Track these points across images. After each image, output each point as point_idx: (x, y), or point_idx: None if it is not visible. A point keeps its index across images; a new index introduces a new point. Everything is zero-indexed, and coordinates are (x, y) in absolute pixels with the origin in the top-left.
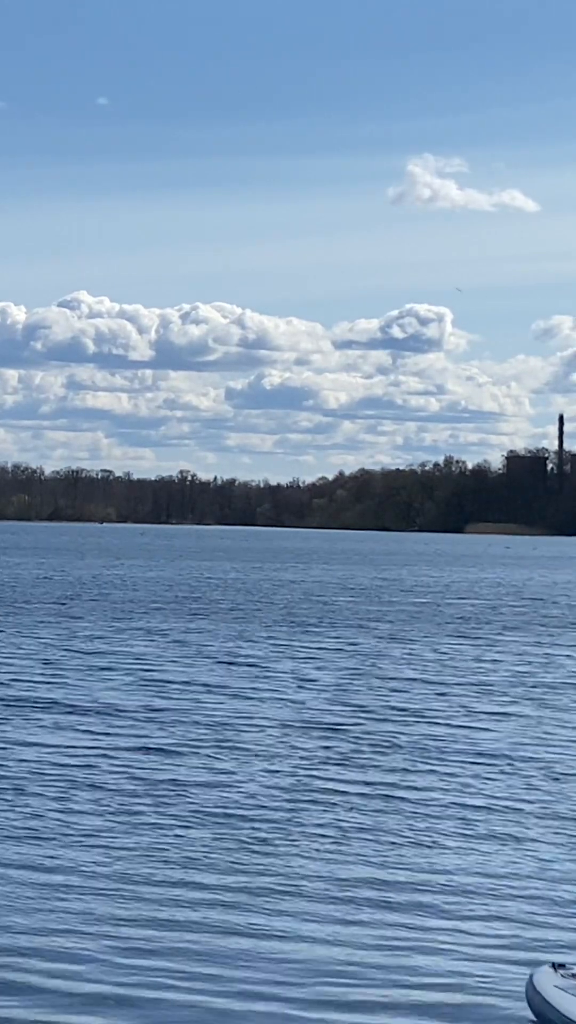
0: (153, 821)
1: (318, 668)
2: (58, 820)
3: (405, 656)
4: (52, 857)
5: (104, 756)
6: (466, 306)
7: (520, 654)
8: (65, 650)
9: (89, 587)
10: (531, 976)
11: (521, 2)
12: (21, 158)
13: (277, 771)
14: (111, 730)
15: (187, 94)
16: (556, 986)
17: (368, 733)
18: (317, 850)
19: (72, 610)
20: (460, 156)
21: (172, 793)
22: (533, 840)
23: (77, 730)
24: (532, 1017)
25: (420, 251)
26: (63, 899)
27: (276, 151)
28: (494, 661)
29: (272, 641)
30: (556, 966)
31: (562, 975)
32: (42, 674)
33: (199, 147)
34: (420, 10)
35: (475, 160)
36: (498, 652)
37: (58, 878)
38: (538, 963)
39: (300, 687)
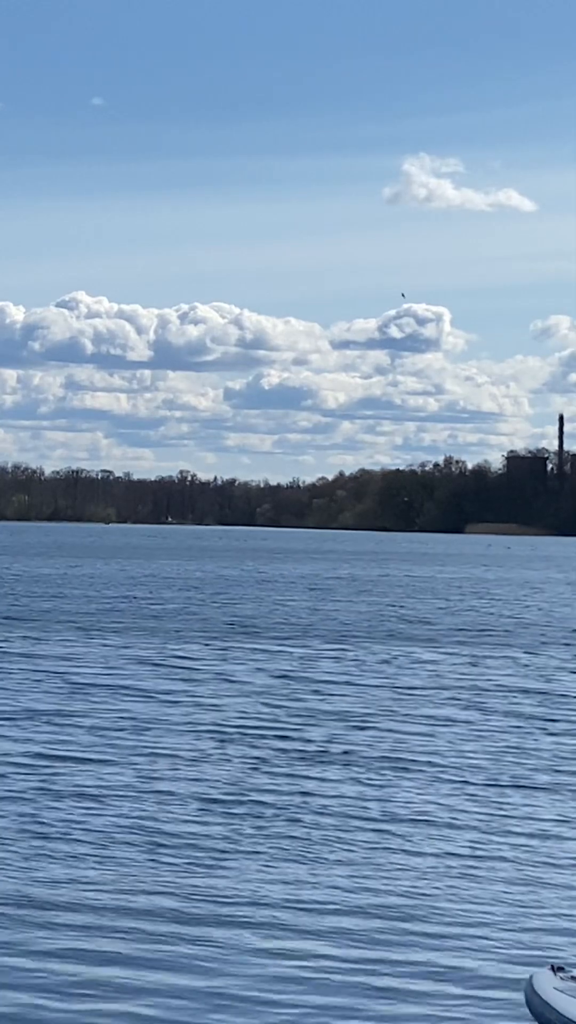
0: (67, 832)
1: (255, 670)
2: None
3: (343, 660)
4: None
5: (14, 764)
6: (464, 306)
7: (468, 658)
8: None
9: (34, 587)
10: (530, 979)
11: (518, 2)
12: (18, 158)
13: (206, 779)
14: (28, 736)
15: (182, 94)
16: (556, 988)
17: (293, 739)
18: (263, 864)
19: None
20: (456, 156)
21: (92, 803)
22: (517, 843)
23: None
24: (532, 1020)
25: (417, 251)
26: None
27: (272, 151)
28: (441, 664)
29: (209, 644)
30: (555, 968)
31: (561, 977)
32: None
33: (194, 147)
34: (416, 10)
35: (471, 160)
36: (451, 657)
37: None
38: (537, 966)
39: (234, 692)
